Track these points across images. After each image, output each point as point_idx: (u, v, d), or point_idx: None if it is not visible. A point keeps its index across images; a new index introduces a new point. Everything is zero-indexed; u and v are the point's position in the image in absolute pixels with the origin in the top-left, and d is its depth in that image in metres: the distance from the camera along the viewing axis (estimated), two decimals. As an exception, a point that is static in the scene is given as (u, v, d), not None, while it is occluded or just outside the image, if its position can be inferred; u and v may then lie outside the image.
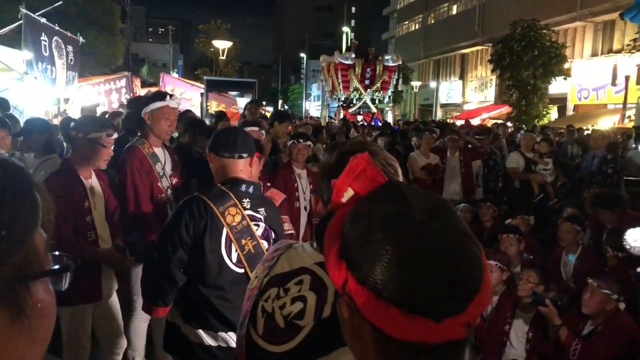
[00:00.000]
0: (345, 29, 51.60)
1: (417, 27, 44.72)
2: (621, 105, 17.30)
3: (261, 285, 1.42)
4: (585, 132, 13.05)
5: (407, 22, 47.01)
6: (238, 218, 2.46)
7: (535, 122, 20.76)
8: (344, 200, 0.85)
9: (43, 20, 9.44)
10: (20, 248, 0.64)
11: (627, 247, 2.28)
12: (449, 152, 7.63)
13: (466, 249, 0.74)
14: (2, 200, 0.62)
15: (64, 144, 5.08)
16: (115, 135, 3.36)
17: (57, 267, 0.71)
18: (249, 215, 2.50)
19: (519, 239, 4.61)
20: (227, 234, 2.44)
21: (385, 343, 0.74)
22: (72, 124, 3.27)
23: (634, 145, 9.93)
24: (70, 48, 10.73)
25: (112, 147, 3.25)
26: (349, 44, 34.94)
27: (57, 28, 10.05)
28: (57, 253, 0.72)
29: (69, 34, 10.92)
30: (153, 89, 15.65)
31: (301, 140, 5.19)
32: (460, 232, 0.75)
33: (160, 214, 3.57)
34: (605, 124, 17.42)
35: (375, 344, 0.76)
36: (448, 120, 25.59)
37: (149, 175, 3.58)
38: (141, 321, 3.72)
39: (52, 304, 0.70)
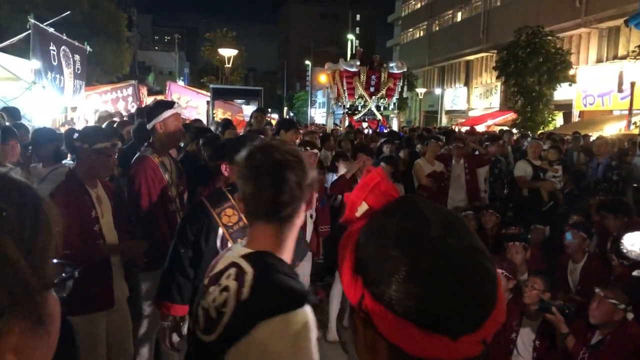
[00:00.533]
0: (350, 36, 51.73)
1: (421, 34, 44.81)
2: (627, 112, 17.25)
3: (202, 286, 1.56)
4: (591, 139, 13.01)
5: (411, 29, 47.12)
6: (234, 219, 2.60)
7: (541, 128, 20.74)
8: (358, 214, 0.86)
9: (51, 30, 9.53)
10: (42, 262, 0.67)
11: (624, 251, 2.29)
12: (454, 160, 7.64)
13: (483, 267, 0.75)
14: (21, 219, 0.65)
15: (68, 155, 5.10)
16: (119, 145, 3.43)
17: (63, 275, 0.74)
18: None
19: (525, 246, 4.61)
20: (222, 233, 2.58)
21: (401, 359, 0.74)
22: (76, 134, 3.25)
23: (639, 152, 9.90)
24: (77, 57, 10.83)
25: (116, 157, 3.32)
26: (353, 51, 35.02)
27: (65, 37, 10.14)
28: (56, 261, 0.74)
29: (76, 43, 11.01)
30: (160, 97, 15.77)
31: (308, 149, 5.21)
32: (475, 249, 0.76)
33: (172, 222, 3.63)
34: (611, 130, 17.37)
35: (390, 359, 0.76)
36: (453, 127, 25.60)
37: (161, 184, 3.64)
38: (149, 330, 3.75)
39: (59, 311, 0.73)
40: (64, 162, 4.80)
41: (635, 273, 2.09)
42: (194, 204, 2.66)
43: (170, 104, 3.84)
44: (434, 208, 0.80)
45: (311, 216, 5.18)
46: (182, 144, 6.59)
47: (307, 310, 1.36)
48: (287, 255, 1.53)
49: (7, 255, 0.62)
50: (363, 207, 0.86)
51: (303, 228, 5.10)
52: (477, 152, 8.28)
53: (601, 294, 3.28)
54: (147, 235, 3.52)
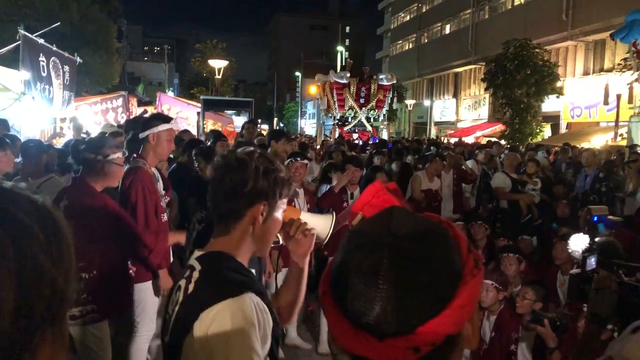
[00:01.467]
0: (340, 48, 52.00)
1: (410, 46, 45.17)
2: (613, 123, 17.47)
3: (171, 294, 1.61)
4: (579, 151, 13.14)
5: (400, 42, 47.50)
6: None
7: (529, 139, 20.92)
8: (354, 223, 0.93)
9: (41, 40, 9.50)
10: (69, 277, 0.69)
11: (570, 251, 2.34)
12: (444, 170, 7.70)
13: (420, 274, 0.76)
14: (47, 236, 0.67)
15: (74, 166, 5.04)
16: (127, 154, 3.52)
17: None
18: None
19: (519, 258, 4.64)
20: None
21: (343, 353, 0.80)
22: (84, 145, 3.36)
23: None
24: (67, 68, 10.79)
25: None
26: (343, 63, 35.21)
27: (54, 48, 10.11)
28: None
29: (66, 54, 10.98)
30: (149, 108, 15.73)
31: (298, 159, 5.21)
32: (429, 259, 0.77)
33: (165, 232, 3.67)
34: (599, 141, 17.58)
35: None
36: (442, 138, 25.76)
37: (155, 195, 3.66)
38: (143, 342, 3.75)
39: (67, 329, 0.75)
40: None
41: (572, 271, 2.16)
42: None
43: (167, 119, 3.86)
44: (416, 218, 0.83)
45: None
46: (172, 155, 6.59)
47: (247, 297, 1.39)
48: (241, 256, 1.57)
49: (44, 269, 0.64)
50: (358, 217, 0.92)
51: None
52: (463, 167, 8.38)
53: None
54: (139, 247, 3.51)
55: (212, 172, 1.61)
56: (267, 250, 1.71)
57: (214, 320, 1.34)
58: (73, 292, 0.69)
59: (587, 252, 2.07)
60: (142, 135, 3.72)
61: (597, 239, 2.20)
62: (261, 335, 1.39)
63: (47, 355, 0.65)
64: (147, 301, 3.69)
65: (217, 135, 6.88)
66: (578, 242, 2.25)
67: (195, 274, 1.46)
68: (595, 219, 2.41)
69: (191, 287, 1.44)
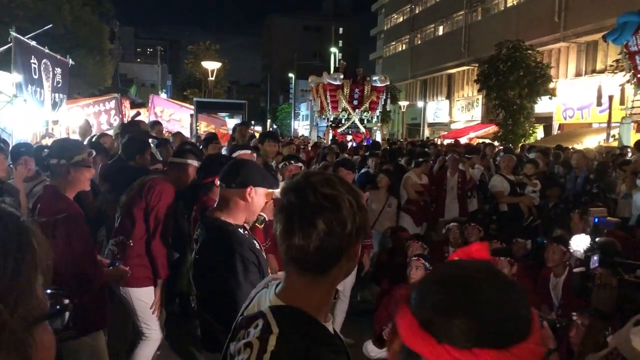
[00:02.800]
0: (333, 49, 52.05)
1: (404, 47, 45.28)
2: (605, 124, 17.57)
3: (235, 325, 1.42)
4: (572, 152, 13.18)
5: (394, 43, 47.61)
6: None
7: (522, 140, 21.00)
8: None
9: (33, 43, 9.44)
10: (26, 299, 0.66)
11: (571, 250, 2.42)
12: (449, 173, 7.74)
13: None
14: (4, 255, 0.64)
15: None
16: (94, 154, 3.40)
17: (57, 308, 0.73)
18: None
19: (510, 261, 4.65)
20: None
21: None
22: (46, 151, 3.15)
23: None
24: (58, 70, 10.72)
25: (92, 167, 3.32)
26: (337, 65, 35.23)
27: (47, 51, 10.05)
28: (50, 291, 0.74)
29: (58, 57, 10.91)
30: (142, 110, 15.66)
31: (292, 162, 5.22)
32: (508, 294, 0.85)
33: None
34: (591, 142, 17.67)
35: None
36: (435, 139, 25.81)
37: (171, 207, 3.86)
38: (153, 346, 3.81)
39: (52, 341, 0.72)
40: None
41: (575, 270, 2.28)
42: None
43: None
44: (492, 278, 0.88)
45: None
46: (161, 158, 6.56)
47: None
48: (322, 314, 1.32)
49: None
50: None
51: None
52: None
53: (579, 322, 3.28)
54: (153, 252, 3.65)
55: (288, 215, 1.27)
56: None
57: None
58: (23, 321, 0.66)
59: (589, 251, 2.17)
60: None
61: (597, 239, 2.28)
62: None
63: None
64: (148, 306, 3.72)
65: (208, 138, 6.86)
66: (579, 242, 2.31)
67: (272, 341, 1.20)
68: (596, 220, 2.49)
69: (267, 358, 1.19)
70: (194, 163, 3.90)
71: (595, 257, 2.14)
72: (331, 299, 1.38)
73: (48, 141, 9.21)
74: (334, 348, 1.27)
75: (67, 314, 0.75)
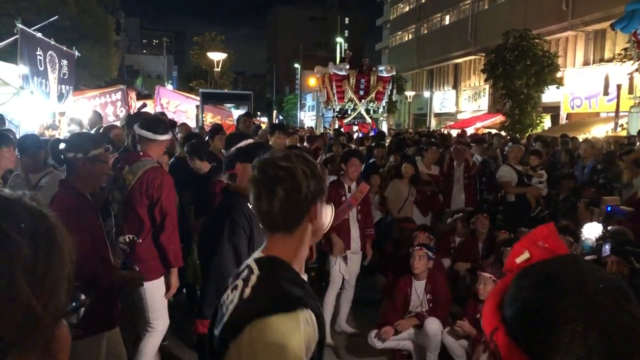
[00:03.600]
0: (339, 39, 51.83)
1: (410, 37, 45.00)
2: (613, 114, 17.44)
3: (225, 286, 1.66)
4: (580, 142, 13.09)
5: (400, 33, 47.31)
6: None
7: (529, 130, 20.89)
8: (518, 260, 0.92)
9: (39, 34, 9.45)
10: (56, 294, 0.67)
11: (582, 238, 2.41)
12: (456, 163, 7.73)
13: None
14: (35, 252, 0.64)
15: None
16: (111, 149, 3.38)
17: (75, 304, 0.73)
18: None
19: (571, 240, 4.60)
20: None
21: None
22: (62, 144, 3.09)
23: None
24: (64, 62, 10.74)
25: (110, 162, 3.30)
26: (342, 55, 35.10)
27: (52, 42, 10.06)
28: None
29: (64, 48, 10.92)
30: (148, 101, 15.67)
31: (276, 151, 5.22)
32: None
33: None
34: (599, 132, 17.55)
35: None
36: (442, 129, 25.72)
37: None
38: (159, 337, 3.87)
39: (68, 337, 0.72)
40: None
41: (587, 258, 2.26)
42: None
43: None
44: (596, 272, 0.84)
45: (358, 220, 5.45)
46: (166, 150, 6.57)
47: (300, 314, 1.43)
48: (297, 264, 1.60)
49: (19, 293, 0.61)
50: (524, 256, 0.90)
51: (348, 227, 5.37)
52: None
53: None
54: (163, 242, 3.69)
55: (255, 185, 1.57)
56: (319, 238, 1.76)
57: (264, 331, 1.38)
58: (56, 315, 0.67)
59: (601, 239, 2.17)
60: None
61: (609, 228, 2.28)
62: (305, 350, 1.44)
63: None
64: (158, 298, 3.76)
65: (214, 129, 6.84)
66: (591, 230, 2.31)
67: (253, 278, 1.50)
68: (609, 209, 2.50)
69: (248, 291, 1.49)
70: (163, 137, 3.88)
71: (607, 246, 2.13)
72: (304, 253, 1.64)
73: (53, 133, 9.26)
74: (304, 289, 1.53)
75: (82, 310, 0.76)
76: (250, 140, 4.87)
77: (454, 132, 20.26)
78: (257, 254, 1.62)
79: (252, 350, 1.38)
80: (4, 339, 0.60)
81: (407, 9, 45.92)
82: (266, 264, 1.55)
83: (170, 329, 4.17)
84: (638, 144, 9.37)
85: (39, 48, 9.33)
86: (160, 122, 4.07)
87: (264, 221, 1.59)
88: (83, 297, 0.69)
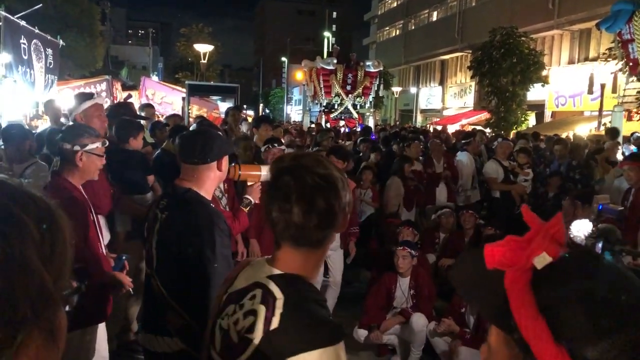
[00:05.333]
0: (327, 33, 51.74)
1: (397, 32, 45.07)
2: (597, 113, 17.64)
3: (220, 303, 1.47)
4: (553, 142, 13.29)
5: (387, 28, 47.36)
6: None
7: (514, 128, 21.06)
8: (538, 265, 0.79)
9: (22, 23, 9.32)
10: (63, 273, 0.68)
11: (571, 235, 2.43)
12: (435, 159, 7.76)
13: None
14: (41, 232, 0.66)
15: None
16: (107, 143, 3.30)
17: (72, 289, 0.75)
18: None
19: None
20: None
21: None
22: (60, 135, 3.03)
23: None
24: (49, 51, 10.61)
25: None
26: (330, 49, 35.04)
27: (37, 31, 9.93)
28: None
29: (49, 37, 10.79)
30: (133, 92, 15.55)
31: (275, 145, 5.19)
32: None
33: None
34: (582, 130, 17.74)
35: None
36: (427, 126, 25.83)
37: None
38: None
39: (66, 325, 0.74)
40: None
41: None
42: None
43: (90, 95, 3.83)
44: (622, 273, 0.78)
45: None
46: (152, 140, 6.51)
47: (341, 347, 1.28)
48: (315, 279, 1.46)
49: (32, 268, 0.63)
50: (545, 259, 0.79)
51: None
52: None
53: None
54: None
55: (284, 194, 1.34)
56: None
57: None
58: (61, 292, 0.68)
59: (592, 237, 2.18)
60: (71, 118, 3.69)
61: (599, 226, 2.29)
62: None
63: (32, 355, 0.64)
64: None
65: (200, 122, 6.78)
66: (580, 228, 2.32)
67: (279, 304, 1.29)
68: (600, 207, 2.53)
69: (276, 321, 1.27)
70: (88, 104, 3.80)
71: (600, 245, 2.13)
72: (322, 267, 1.48)
73: (37, 123, 9.15)
74: (325, 307, 1.37)
75: (75, 297, 0.77)
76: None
77: (439, 128, 20.36)
78: (266, 268, 1.40)
79: None
80: (19, 311, 0.61)
81: (395, 4, 45.95)
82: (289, 285, 1.34)
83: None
84: (608, 142, 9.56)
85: (23, 36, 9.20)
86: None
87: (288, 235, 1.35)
88: (75, 284, 0.69)
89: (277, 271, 1.37)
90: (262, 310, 1.29)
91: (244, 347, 1.30)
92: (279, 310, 1.28)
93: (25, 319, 0.63)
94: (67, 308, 0.77)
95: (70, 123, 3.81)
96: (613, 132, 10.73)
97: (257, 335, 1.27)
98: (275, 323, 1.27)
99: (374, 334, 4.62)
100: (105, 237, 3.90)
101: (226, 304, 1.43)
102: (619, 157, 8.62)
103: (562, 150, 8.40)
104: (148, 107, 8.47)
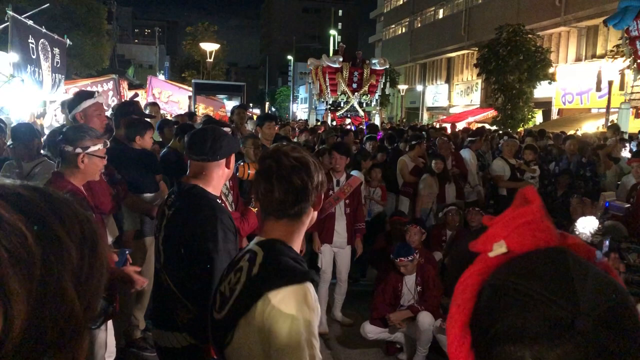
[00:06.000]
0: (333, 31, 51.70)
1: (403, 30, 44.95)
2: (604, 110, 17.55)
3: (222, 275, 1.74)
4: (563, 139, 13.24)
5: (393, 26, 47.24)
6: None
7: (521, 125, 20.98)
8: (492, 254, 0.70)
9: (30, 22, 9.37)
10: (96, 300, 0.66)
11: (577, 233, 2.40)
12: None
13: None
14: (81, 257, 0.63)
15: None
16: (109, 145, 3.29)
17: (101, 313, 0.72)
18: None
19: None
20: None
21: None
22: (61, 136, 2.99)
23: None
24: (57, 50, 10.66)
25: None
26: (336, 47, 35.01)
27: (44, 30, 9.98)
28: None
29: (56, 37, 10.84)
30: (140, 91, 15.59)
31: (284, 143, 5.19)
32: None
33: None
34: (590, 128, 17.66)
35: None
36: (434, 124, 25.76)
37: None
38: None
39: (87, 346, 0.72)
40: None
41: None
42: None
43: (90, 94, 3.80)
44: (592, 277, 0.64)
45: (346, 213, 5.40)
46: (160, 139, 6.53)
47: (309, 286, 1.53)
48: (296, 246, 1.68)
49: (66, 294, 0.61)
50: (500, 248, 0.69)
51: (332, 220, 5.32)
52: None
53: None
54: None
55: (267, 175, 1.62)
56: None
57: (280, 302, 1.47)
58: (90, 319, 0.66)
59: (598, 234, 2.18)
60: (69, 117, 3.66)
61: (605, 223, 2.29)
62: (317, 321, 1.54)
63: None
64: None
65: (206, 121, 6.81)
66: (586, 225, 2.31)
67: (259, 258, 1.57)
68: (607, 204, 2.53)
69: (255, 269, 1.55)
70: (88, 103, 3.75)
71: (607, 242, 2.14)
72: (302, 236, 1.74)
73: (42, 121, 9.20)
74: (305, 267, 1.62)
75: (102, 318, 0.75)
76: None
77: (448, 127, 20.30)
78: (257, 238, 1.69)
79: (269, 321, 1.45)
80: (44, 342, 0.59)
81: (401, 2, 45.81)
82: (270, 245, 1.61)
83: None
84: (610, 139, 9.53)
85: (30, 36, 9.25)
86: None
87: (273, 209, 1.64)
88: (105, 305, 0.68)
89: (262, 238, 1.67)
90: (246, 265, 1.60)
91: (232, 294, 1.59)
92: (258, 261, 1.57)
93: (50, 350, 0.60)
94: (92, 327, 0.75)
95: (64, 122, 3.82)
96: (615, 129, 10.70)
97: (241, 282, 1.57)
98: (254, 271, 1.56)
99: (394, 315, 4.63)
100: (113, 233, 3.93)
101: (227, 275, 1.69)
102: (624, 154, 8.57)
103: (573, 146, 8.38)
104: (152, 105, 8.50)
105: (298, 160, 1.63)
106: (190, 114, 9.90)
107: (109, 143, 3.13)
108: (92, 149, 2.93)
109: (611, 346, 0.58)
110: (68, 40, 11.61)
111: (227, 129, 4.80)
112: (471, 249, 0.73)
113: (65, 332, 0.62)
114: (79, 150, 2.88)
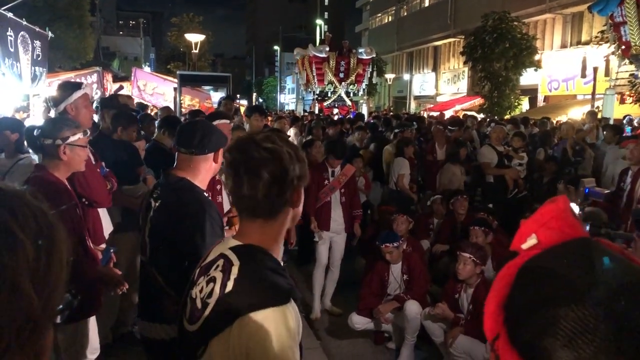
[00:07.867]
0: (319, 21, 51.49)
1: (390, 19, 44.87)
2: (590, 96, 17.66)
3: (193, 277, 1.56)
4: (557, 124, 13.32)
5: (380, 14, 47.13)
6: None
7: (508, 113, 21.06)
8: (524, 246, 0.76)
9: (10, 14, 9.19)
10: (56, 294, 0.65)
11: None
12: (437, 146, 7.76)
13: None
14: (38, 251, 0.62)
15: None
16: (89, 134, 3.24)
17: (62, 306, 0.71)
18: None
19: (485, 231, 4.82)
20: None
21: None
22: (37, 130, 2.93)
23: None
24: (37, 43, 10.47)
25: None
26: (322, 37, 34.89)
27: (24, 23, 9.80)
28: None
29: (37, 29, 10.65)
30: (125, 84, 15.44)
31: (258, 132, 5.18)
32: None
33: None
34: (575, 114, 17.76)
35: None
36: (421, 112, 25.81)
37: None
38: None
39: (52, 342, 0.70)
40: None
41: None
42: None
43: (78, 85, 3.73)
44: (615, 261, 0.68)
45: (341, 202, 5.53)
46: (142, 132, 6.47)
47: (290, 309, 1.36)
48: (275, 251, 1.51)
49: (22, 292, 0.59)
50: (532, 241, 0.75)
51: (329, 209, 5.47)
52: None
53: None
54: None
55: (235, 168, 1.44)
56: (295, 223, 1.63)
57: (259, 326, 1.31)
58: (51, 317, 0.64)
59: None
60: (59, 109, 3.56)
61: (585, 209, 2.30)
62: (297, 340, 1.39)
63: None
64: None
65: (194, 113, 6.75)
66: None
67: (235, 270, 1.39)
68: (587, 190, 2.53)
69: (230, 284, 1.37)
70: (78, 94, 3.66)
71: (587, 228, 2.14)
72: (282, 239, 1.55)
73: (23, 115, 9.07)
74: (286, 278, 1.44)
75: (66, 312, 0.73)
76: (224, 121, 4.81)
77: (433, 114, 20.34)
78: (231, 241, 1.51)
79: (246, 345, 1.31)
80: (2, 340, 0.57)
81: (387, -10, 45.70)
82: (246, 254, 1.43)
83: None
84: (587, 124, 9.68)
85: (9, 29, 9.07)
86: None
87: (243, 207, 1.47)
88: (69, 297, 0.66)
89: (238, 243, 1.48)
90: (219, 276, 1.41)
91: (204, 310, 1.41)
92: (233, 276, 1.38)
93: (8, 348, 0.59)
94: (57, 320, 0.73)
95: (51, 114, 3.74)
96: (593, 115, 10.91)
97: (214, 298, 1.39)
98: (229, 286, 1.37)
99: (382, 306, 4.66)
100: (107, 229, 3.89)
101: (198, 277, 1.51)
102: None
103: (569, 130, 8.49)
104: (128, 98, 8.37)
105: (269, 151, 1.42)
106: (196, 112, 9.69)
107: (89, 132, 3.09)
108: (72, 139, 2.88)
109: (628, 316, 0.61)
110: (50, 32, 11.42)
111: (228, 121, 4.77)
112: (510, 248, 0.79)
113: (24, 330, 0.60)
114: (59, 142, 2.84)
